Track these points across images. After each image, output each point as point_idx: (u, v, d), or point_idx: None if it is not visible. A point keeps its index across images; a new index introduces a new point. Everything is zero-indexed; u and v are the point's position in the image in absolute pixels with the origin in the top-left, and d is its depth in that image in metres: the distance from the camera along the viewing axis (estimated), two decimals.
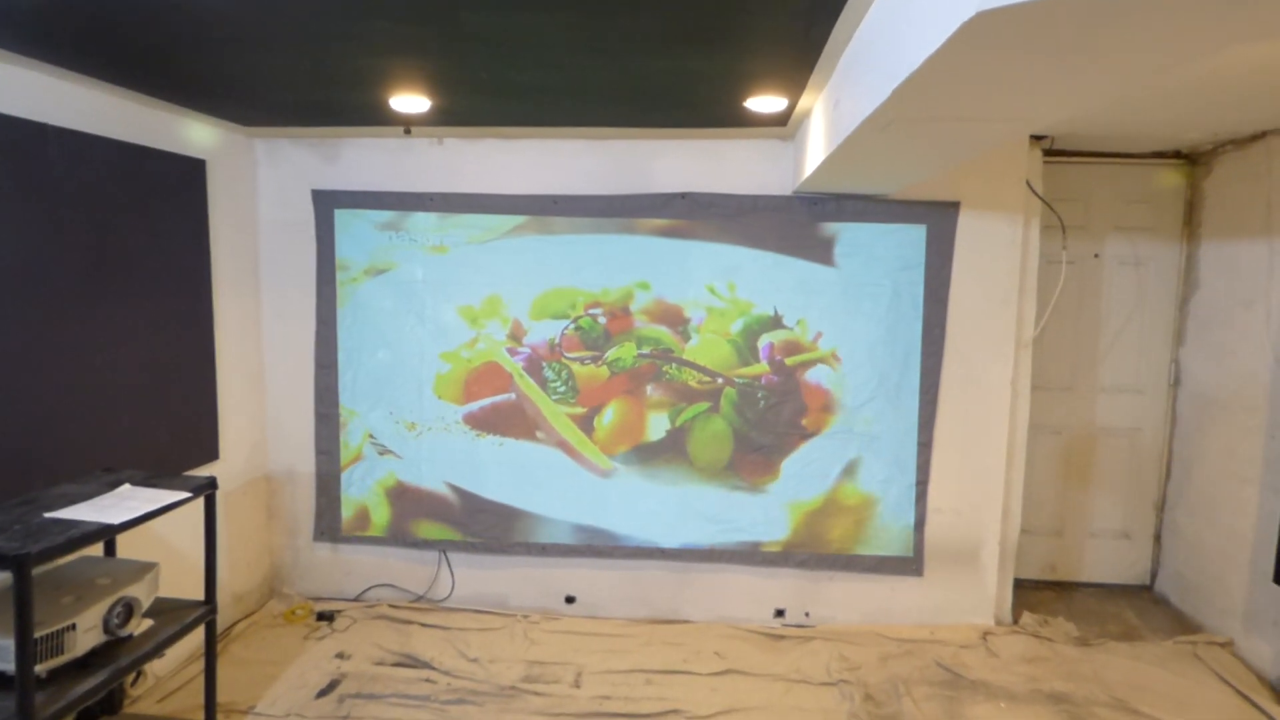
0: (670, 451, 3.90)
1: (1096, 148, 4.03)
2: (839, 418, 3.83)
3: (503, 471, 3.96)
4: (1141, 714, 3.19)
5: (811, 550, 3.91)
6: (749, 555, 3.93)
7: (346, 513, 4.05)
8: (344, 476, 4.04)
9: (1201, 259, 4.06)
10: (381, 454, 4.00)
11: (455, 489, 3.99)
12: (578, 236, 3.81)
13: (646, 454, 3.91)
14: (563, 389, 3.89)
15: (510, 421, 3.95)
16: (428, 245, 3.87)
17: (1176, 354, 4.24)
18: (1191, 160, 4.11)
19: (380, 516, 4.04)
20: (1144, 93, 2.84)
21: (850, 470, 3.86)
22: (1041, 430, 4.25)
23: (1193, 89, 2.81)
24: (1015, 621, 3.96)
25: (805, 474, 3.87)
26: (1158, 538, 4.38)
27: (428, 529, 4.01)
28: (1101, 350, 4.31)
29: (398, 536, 4.04)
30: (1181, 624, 4.00)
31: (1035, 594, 4.28)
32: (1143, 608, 4.22)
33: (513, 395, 3.93)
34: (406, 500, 4.01)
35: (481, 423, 3.96)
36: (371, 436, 4.00)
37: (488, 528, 3.99)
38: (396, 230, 3.88)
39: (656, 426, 3.90)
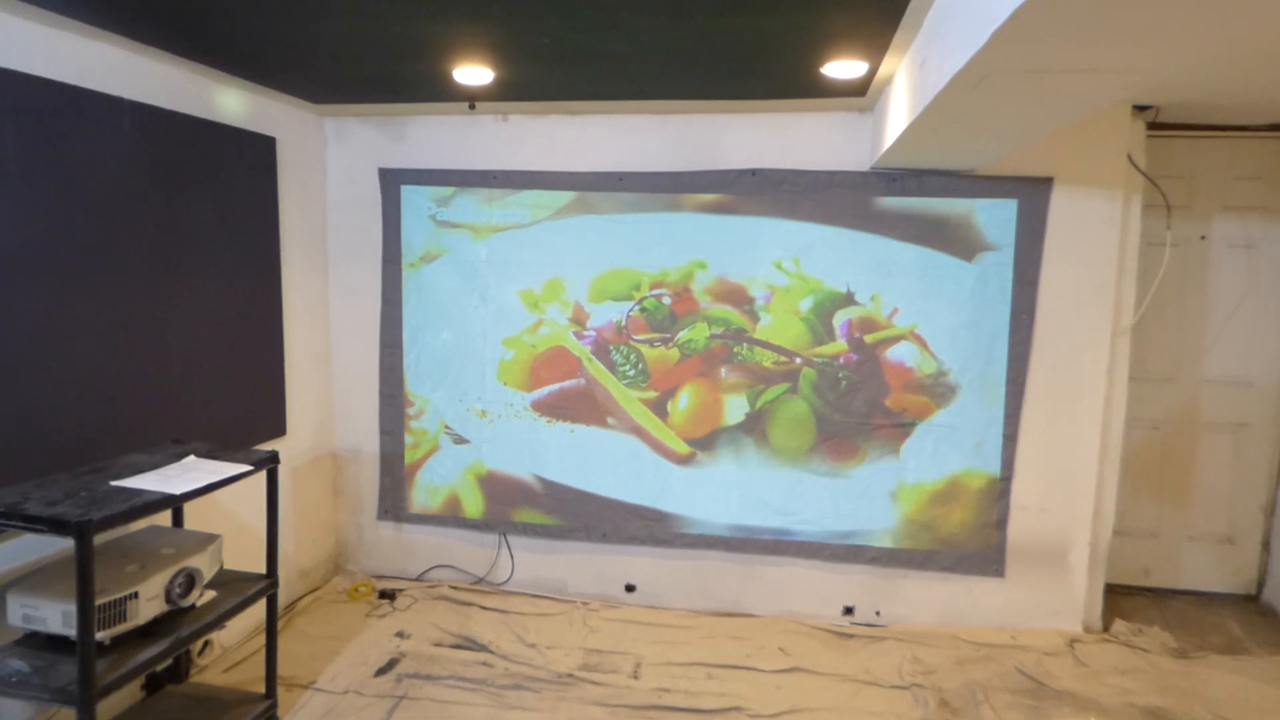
0: (751, 435, 3.77)
1: (1205, 119, 3.70)
2: (923, 399, 3.63)
3: (578, 458, 3.90)
4: None
5: (904, 539, 3.72)
6: (818, 549, 3.77)
7: (434, 500, 4.04)
8: (425, 466, 4.03)
9: None
10: (457, 442, 3.98)
11: (537, 477, 3.95)
12: (634, 215, 3.71)
13: (726, 438, 3.79)
14: (633, 373, 3.79)
15: (580, 407, 3.87)
16: (490, 223, 3.83)
17: None
18: None
19: (473, 503, 4.02)
20: (1261, 51, 2.56)
21: (935, 459, 3.66)
22: (1138, 424, 3.96)
23: None
24: (1106, 629, 3.71)
25: (890, 460, 3.69)
26: (1266, 544, 4.04)
27: (525, 514, 3.98)
28: (1207, 339, 3.98)
29: (492, 523, 4.02)
30: None
31: (1127, 600, 4.00)
32: (1247, 619, 3.90)
33: (582, 380, 3.85)
34: (498, 486, 3.99)
35: (551, 409, 3.89)
36: (447, 426, 3.98)
37: (575, 515, 3.93)
38: (460, 208, 3.84)
39: (734, 409, 3.76)
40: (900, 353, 3.63)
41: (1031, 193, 3.45)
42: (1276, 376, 3.95)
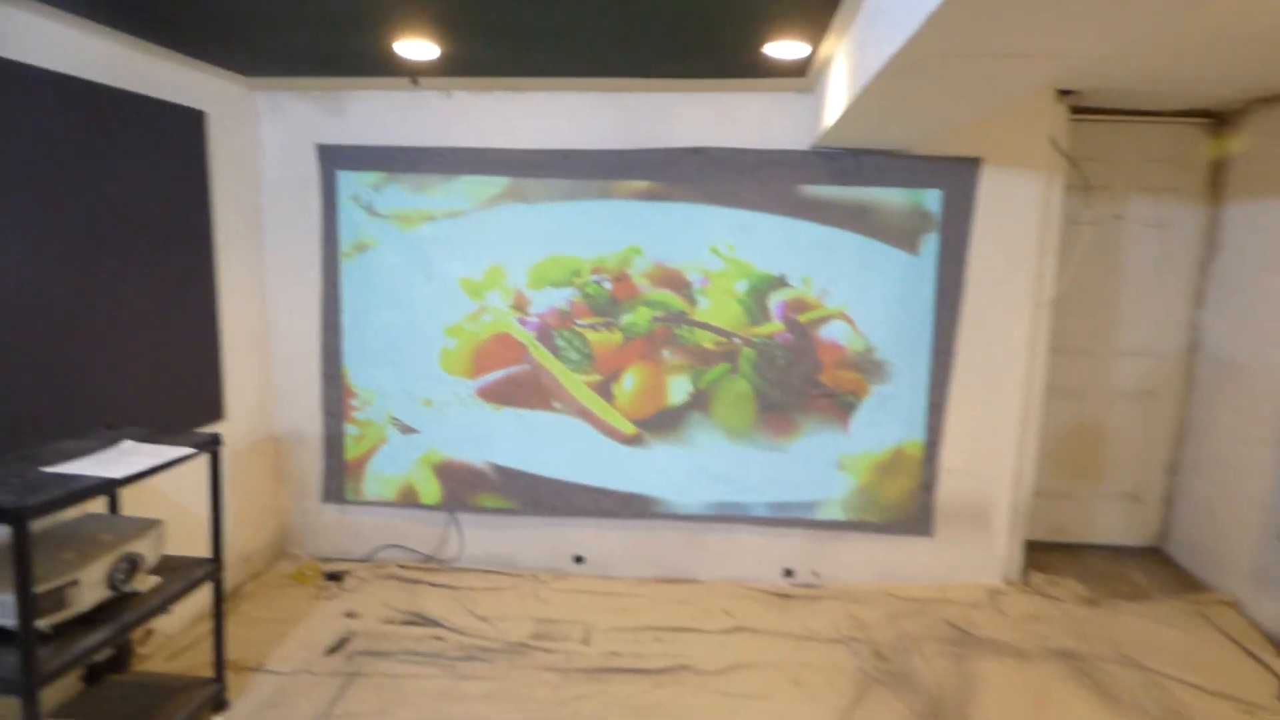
0: (695, 413, 3.86)
1: (1123, 104, 3.91)
2: (856, 375, 3.78)
3: (529, 443, 3.92)
4: (1148, 670, 3.21)
5: (852, 509, 3.89)
6: (758, 516, 3.91)
7: (388, 491, 4.02)
8: (375, 458, 4.00)
9: (1226, 221, 3.97)
10: (404, 432, 3.96)
11: (490, 463, 3.96)
12: (570, 204, 3.73)
13: (671, 418, 3.87)
14: (577, 357, 3.83)
15: (526, 393, 3.89)
16: (428, 210, 3.79)
17: (1196, 317, 4.17)
18: (1219, 119, 3.99)
19: (430, 492, 4.01)
20: (1176, 43, 2.73)
21: (877, 430, 3.82)
22: (1057, 393, 4.20)
23: (1225, 42, 2.71)
24: (1025, 582, 3.96)
25: (832, 433, 3.83)
26: (1168, 500, 4.36)
27: (484, 499, 4.00)
28: (1121, 313, 4.24)
29: (444, 506, 4.03)
30: (1189, 584, 4.01)
31: (1045, 555, 4.27)
32: (1151, 569, 4.22)
33: (526, 366, 3.87)
34: (454, 475, 3.98)
35: (496, 395, 3.90)
36: (394, 418, 3.96)
37: (530, 498, 3.97)
38: (400, 188, 3.79)
39: (678, 390, 3.85)
40: (833, 332, 3.76)
41: (961, 173, 3.60)
42: (1182, 348, 4.23)
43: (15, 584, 1.93)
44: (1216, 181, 4.05)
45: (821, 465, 3.85)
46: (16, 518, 1.89)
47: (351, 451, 4.01)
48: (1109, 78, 3.36)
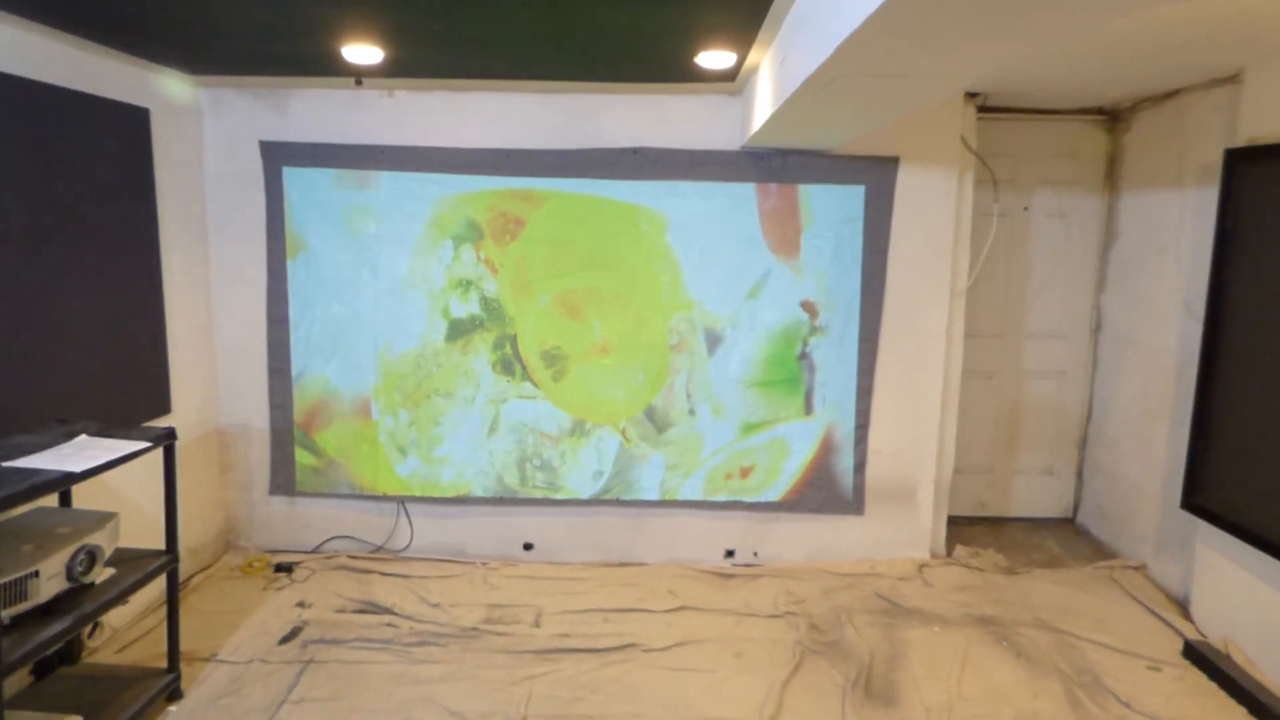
0: (640, 403, 4.04)
1: (1026, 104, 4.22)
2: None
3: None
4: (1062, 632, 3.47)
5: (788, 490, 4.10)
6: (700, 500, 4.09)
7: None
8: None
9: (1121, 210, 4.31)
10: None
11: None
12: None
13: (618, 407, 4.04)
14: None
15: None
16: (370, 205, 3.87)
17: (1098, 300, 4.51)
18: (1113, 117, 4.33)
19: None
20: (1068, 50, 3.00)
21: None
22: (974, 375, 4.49)
23: (1112, 47, 2.98)
24: (949, 554, 4.23)
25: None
26: (1079, 473, 4.69)
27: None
28: (1029, 298, 4.56)
29: (391, 494, 4.12)
30: (1100, 552, 4.33)
31: (968, 529, 4.56)
32: (1065, 538, 4.54)
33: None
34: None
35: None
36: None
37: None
38: (346, 184, 3.86)
39: (628, 379, 4.02)
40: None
41: (881, 171, 3.84)
42: (1087, 330, 4.57)
43: None
44: (1112, 174, 4.39)
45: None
46: None
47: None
48: (1012, 81, 3.64)
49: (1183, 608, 3.64)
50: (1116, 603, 3.74)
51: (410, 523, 4.15)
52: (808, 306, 3.94)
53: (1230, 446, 3.19)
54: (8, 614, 2.17)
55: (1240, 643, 3.20)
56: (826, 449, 4.06)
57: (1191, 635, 3.38)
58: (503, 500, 4.09)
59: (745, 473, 4.08)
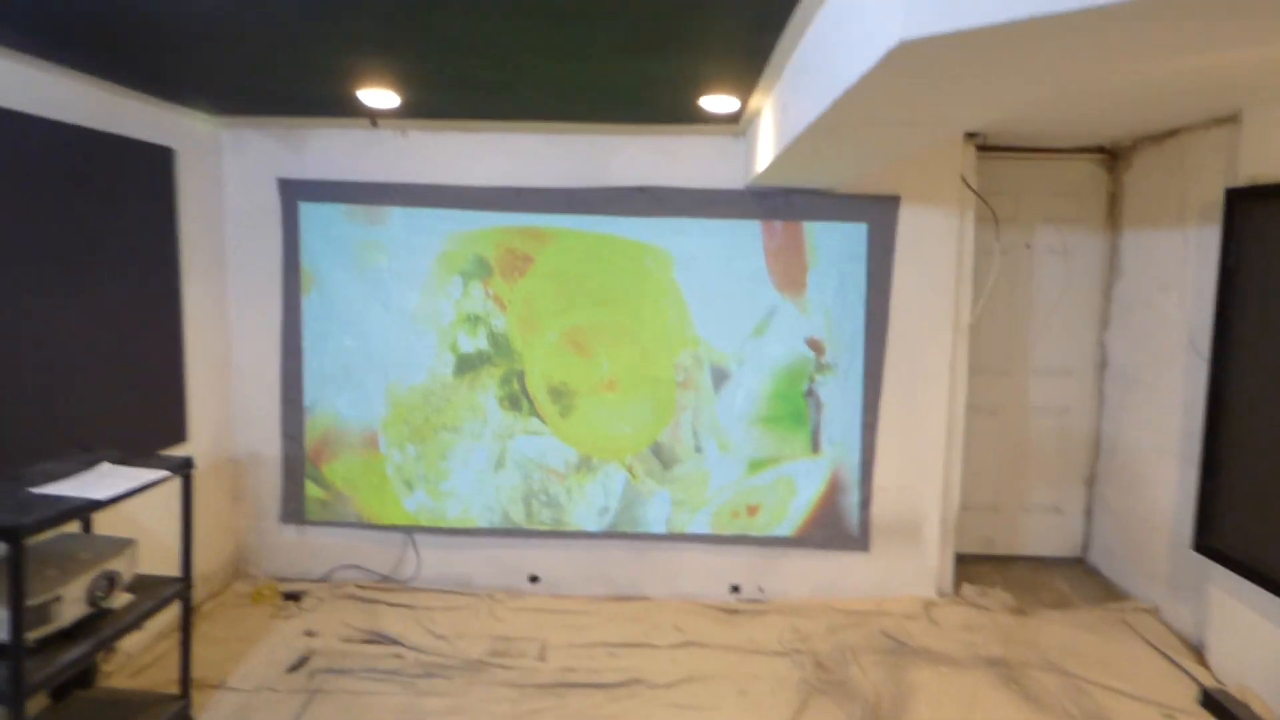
0: (649, 441, 4.09)
1: (1026, 143, 4.30)
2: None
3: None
4: (1072, 675, 3.41)
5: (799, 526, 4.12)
6: (705, 534, 4.11)
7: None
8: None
9: (1123, 248, 4.35)
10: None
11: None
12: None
13: (624, 444, 4.09)
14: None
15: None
16: (381, 241, 3.98)
17: (1102, 337, 4.53)
18: (1113, 155, 4.40)
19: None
20: (1068, 93, 3.07)
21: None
22: (979, 411, 4.51)
23: (1112, 90, 3.05)
24: (956, 593, 4.20)
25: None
26: (1088, 512, 4.67)
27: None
28: (1033, 335, 4.59)
29: (401, 525, 4.17)
30: (1110, 592, 4.28)
31: (975, 567, 4.54)
32: (1075, 578, 4.50)
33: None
34: None
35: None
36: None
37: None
38: (359, 220, 3.98)
39: (636, 415, 4.07)
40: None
41: (882, 209, 3.91)
42: (1091, 366, 4.59)
43: (10, 599, 2.04)
44: (1114, 211, 4.44)
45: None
46: (14, 536, 2.02)
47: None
48: (1011, 122, 3.71)
49: (1198, 653, 3.57)
50: (1129, 646, 3.68)
51: (418, 553, 4.19)
52: (813, 344, 3.99)
53: (1241, 487, 3.16)
54: (33, 637, 2.23)
55: (1259, 691, 3.13)
56: (834, 489, 4.08)
57: (1208, 682, 3.31)
58: (509, 532, 4.13)
59: (752, 511, 4.10)
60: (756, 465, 4.08)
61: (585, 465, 4.09)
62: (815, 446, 4.06)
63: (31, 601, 2.19)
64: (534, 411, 4.07)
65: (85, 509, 2.27)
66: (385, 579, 4.20)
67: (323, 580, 4.20)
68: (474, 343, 4.04)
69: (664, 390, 4.05)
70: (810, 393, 4.03)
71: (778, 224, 3.92)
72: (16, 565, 2.03)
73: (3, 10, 2.22)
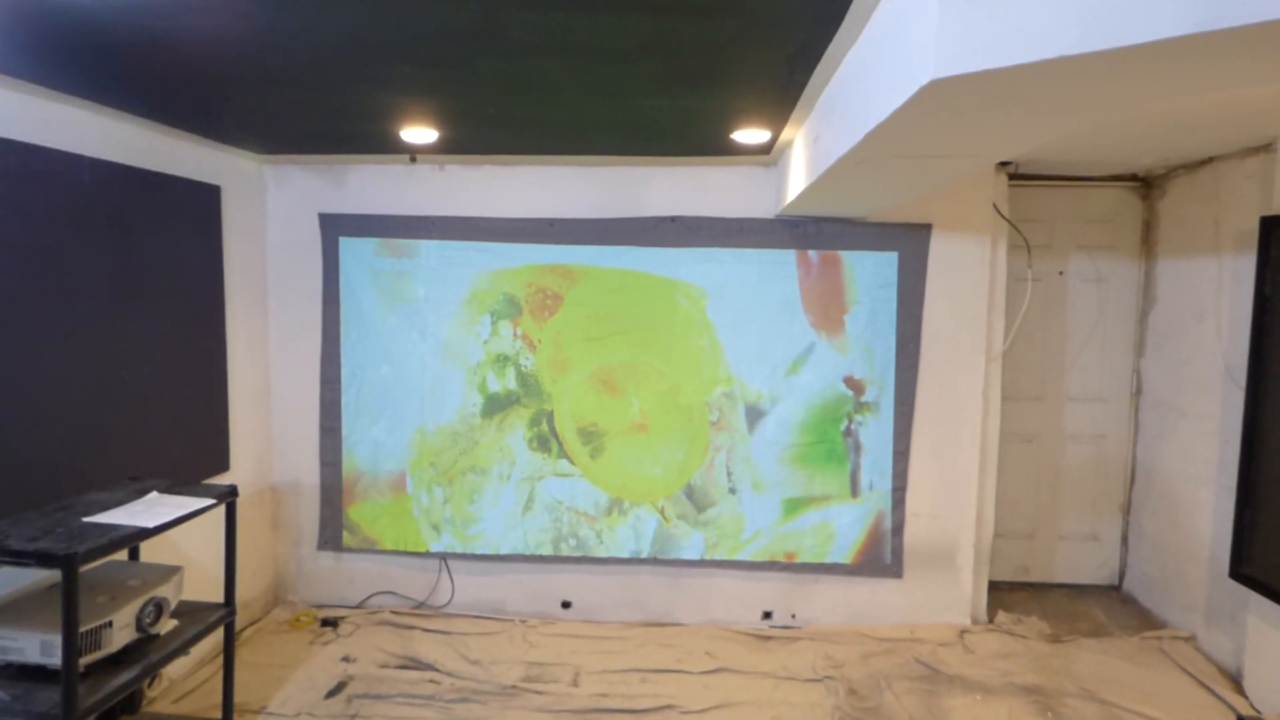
0: (679, 481, 4.12)
1: (1058, 172, 4.30)
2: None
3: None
4: (1109, 704, 3.39)
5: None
6: (738, 561, 4.12)
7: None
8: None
9: (1158, 275, 4.32)
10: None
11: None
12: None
13: (658, 484, 4.12)
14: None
15: None
16: (427, 266, 4.07)
17: (1137, 364, 4.50)
18: (1147, 183, 4.39)
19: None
20: (1098, 127, 3.09)
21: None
22: (1013, 438, 4.49)
23: (1144, 121, 3.06)
24: (991, 620, 4.17)
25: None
26: (1125, 539, 4.61)
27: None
28: (1068, 362, 4.56)
29: (434, 550, 4.23)
30: (1148, 621, 4.22)
31: (1010, 595, 4.49)
32: (1111, 606, 4.44)
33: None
34: None
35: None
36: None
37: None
38: (397, 253, 4.07)
39: (668, 454, 4.11)
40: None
41: (914, 237, 3.93)
42: (1127, 393, 4.55)
43: (64, 625, 2.11)
44: (1148, 239, 4.42)
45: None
46: (67, 564, 2.09)
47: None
48: (1043, 151, 3.73)
49: (1235, 681, 3.53)
50: (1166, 675, 3.64)
51: (451, 579, 4.24)
52: (852, 384, 4.00)
53: (1278, 515, 3.13)
54: (84, 662, 2.29)
55: None
56: (875, 536, 4.07)
57: (1245, 711, 3.29)
58: (542, 559, 4.17)
59: (789, 557, 4.10)
60: (793, 507, 4.07)
61: (616, 508, 4.12)
62: (855, 490, 4.05)
63: (84, 627, 2.26)
64: (563, 453, 4.11)
65: (135, 537, 2.34)
66: (420, 605, 4.25)
67: (359, 607, 4.25)
68: (502, 383, 4.10)
69: (697, 430, 4.07)
70: (849, 432, 4.03)
71: (814, 259, 3.95)
72: (70, 592, 2.09)
73: (56, 56, 2.33)
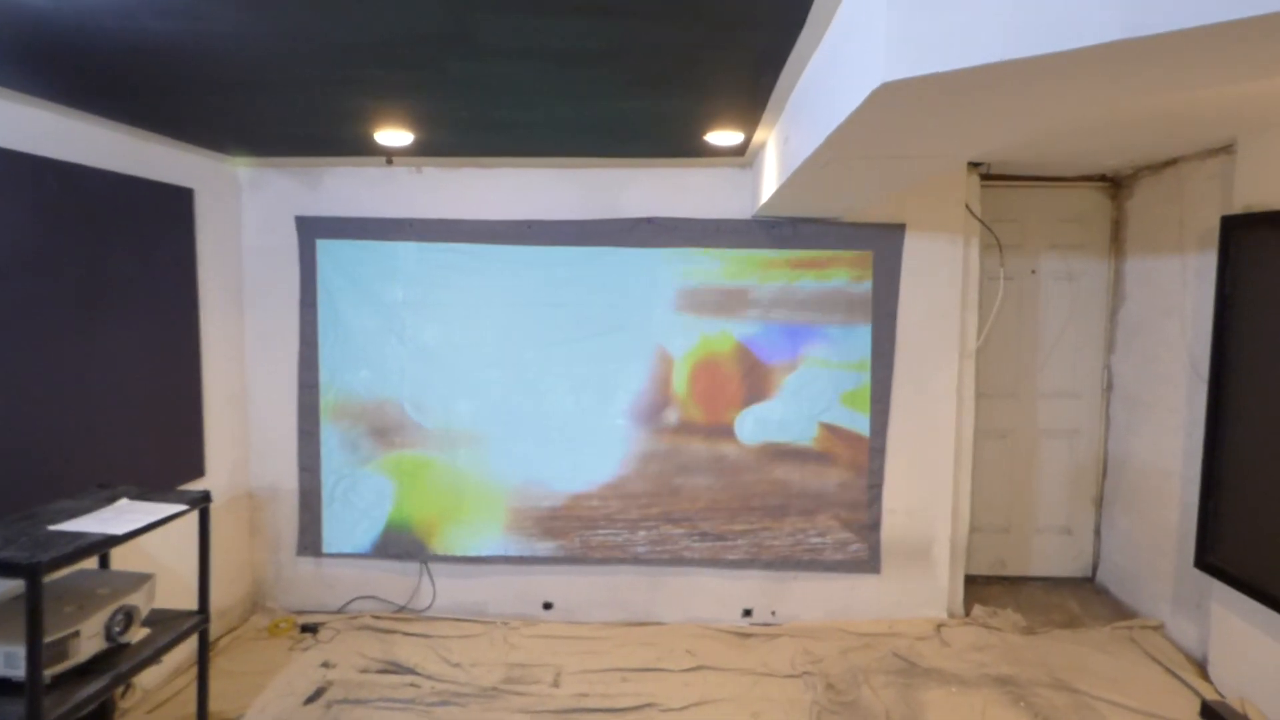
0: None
1: (1029, 172, 4.37)
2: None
3: None
4: (1079, 693, 3.45)
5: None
6: (717, 559, 4.14)
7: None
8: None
9: (1127, 273, 4.40)
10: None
11: None
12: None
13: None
14: None
15: None
16: (406, 269, 4.06)
17: (1108, 360, 4.57)
18: (1116, 184, 4.46)
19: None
20: (1065, 125, 3.14)
21: None
22: (988, 434, 4.54)
23: (1107, 123, 3.12)
24: (967, 614, 4.22)
25: None
26: (1098, 532, 4.68)
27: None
28: (1040, 359, 4.63)
29: (414, 554, 4.23)
30: (1119, 611, 4.30)
31: (986, 588, 4.55)
32: (1084, 598, 4.51)
33: None
34: None
35: None
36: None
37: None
38: (376, 256, 4.06)
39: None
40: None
41: (888, 237, 3.97)
42: (1098, 388, 4.62)
43: (27, 636, 2.08)
44: (1118, 238, 4.50)
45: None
46: (30, 573, 2.06)
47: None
48: (1013, 152, 3.78)
49: (1201, 668, 3.61)
50: (1135, 663, 3.71)
51: (433, 583, 4.23)
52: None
53: (1240, 505, 3.21)
54: (49, 674, 2.27)
55: (1258, 702, 3.18)
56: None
57: (1209, 695, 3.36)
58: (523, 559, 4.17)
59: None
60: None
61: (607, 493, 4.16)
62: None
63: (49, 638, 2.23)
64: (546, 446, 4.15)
65: (102, 545, 2.31)
66: (401, 609, 4.24)
67: (339, 612, 4.24)
68: (484, 378, 4.12)
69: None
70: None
71: None
72: (34, 602, 2.07)
73: (16, 59, 2.31)
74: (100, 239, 3.09)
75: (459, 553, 4.17)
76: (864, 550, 4.13)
